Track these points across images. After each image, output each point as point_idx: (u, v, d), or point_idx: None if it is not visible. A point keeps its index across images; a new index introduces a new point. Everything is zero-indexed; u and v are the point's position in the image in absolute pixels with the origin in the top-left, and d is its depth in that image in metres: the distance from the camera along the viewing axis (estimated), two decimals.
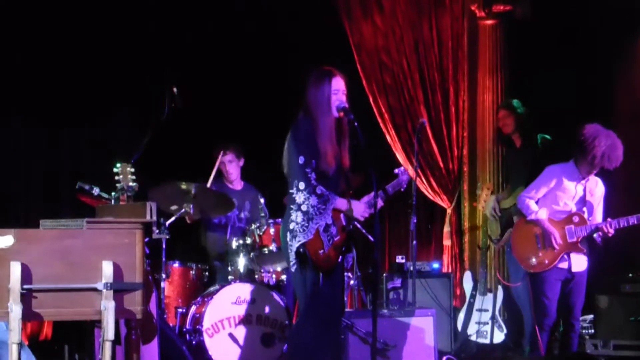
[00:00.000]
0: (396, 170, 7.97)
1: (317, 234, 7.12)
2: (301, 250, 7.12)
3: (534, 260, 8.44)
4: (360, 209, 7.34)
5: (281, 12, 10.96)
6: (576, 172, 8.39)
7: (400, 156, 11.18)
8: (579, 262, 8.38)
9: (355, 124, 7.13)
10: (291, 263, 7.21)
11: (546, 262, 8.36)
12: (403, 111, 11.27)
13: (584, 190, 8.41)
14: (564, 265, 8.35)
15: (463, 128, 11.42)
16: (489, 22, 11.32)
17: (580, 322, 8.50)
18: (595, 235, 8.30)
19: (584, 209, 8.39)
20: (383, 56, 11.27)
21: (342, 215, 7.29)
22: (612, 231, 8.22)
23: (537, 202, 8.52)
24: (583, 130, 8.37)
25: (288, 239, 7.17)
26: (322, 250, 7.13)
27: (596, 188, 8.49)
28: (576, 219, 8.35)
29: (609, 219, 8.30)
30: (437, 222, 11.61)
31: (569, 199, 8.42)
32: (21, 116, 10.71)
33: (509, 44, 11.31)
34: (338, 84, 7.25)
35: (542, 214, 8.45)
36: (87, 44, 10.60)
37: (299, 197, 7.12)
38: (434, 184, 11.31)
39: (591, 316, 9.93)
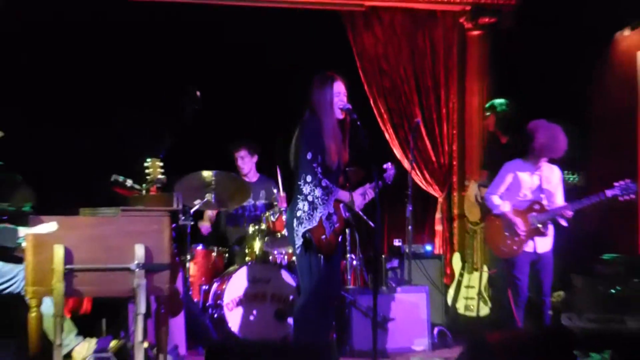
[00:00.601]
0: (385, 166, 7.96)
1: (320, 221, 7.14)
2: (307, 235, 7.13)
3: (504, 248, 8.42)
4: (359, 201, 7.35)
5: (292, 24, 10.93)
6: (527, 164, 8.38)
7: (397, 152, 11.16)
8: (544, 244, 8.35)
9: (358, 122, 7.12)
10: (296, 247, 7.23)
11: (515, 248, 8.34)
12: (400, 112, 11.25)
13: (540, 179, 8.39)
14: (529, 248, 8.32)
15: (453, 127, 11.40)
16: (476, 33, 11.29)
17: (550, 297, 8.46)
18: (557, 218, 8.27)
19: (542, 195, 8.36)
20: (382, 63, 11.24)
21: (341, 205, 7.29)
22: (570, 213, 8.19)
23: (502, 197, 8.50)
24: (526, 126, 8.38)
25: (295, 225, 7.19)
26: (324, 236, 7.14)
27: (552, 175, 8.46)
28: (536, 206, 8.33)
29: (565, 203, 8.29)
30: (429, 209, 11.59)
31: (527, 189, 8.39)
32: (65, 116, 10.70)
33: (494, 52, 11.29)
34: (339, 87, 7.25)
35: (506, 207, 8.43)
36: (123, 52, 10.59)
37: (306, 189, 7.12)
38: (427, 176, 11.29)
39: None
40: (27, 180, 7.65)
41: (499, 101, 10.24)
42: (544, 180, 8.39)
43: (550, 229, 8.37)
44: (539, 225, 8.28)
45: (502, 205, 8.46)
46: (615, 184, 8.14)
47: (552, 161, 8.45)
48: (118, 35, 10.58)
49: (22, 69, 10.35)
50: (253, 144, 10.12)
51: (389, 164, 8.11)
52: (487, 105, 10.50)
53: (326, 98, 7.21)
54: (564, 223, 8.32)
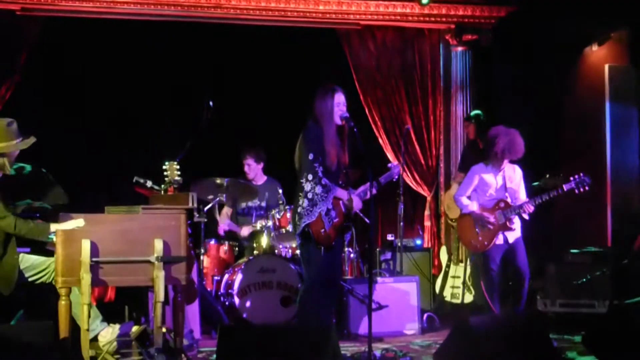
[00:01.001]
0: (389, 165, 7.98)
1: (319, 216, 7.15)
2: (306, 229, 7.15)
3: (475, 243, 8.44)
4: (357, 202, 7.36)
5: (295, 41, 10.97)
6: (491, 167, 8.41)
7: (390, 155, 11.17)
8: (511, 234, 8.36)
9: (355, 129, 7.15)
10: (297, 239, 7.28)
11: (485, 243, 8.34)
12: (392, 119, 11.26)
13: (503, 179, 8.41)
14: (500, 241, 8.33)
15: (439, 132, 11.41)
16: (460, 48, 11.31)
17: (529, 279, 8.43)
18: (521, 213, 8.29)
19: (506, 194, 8.38)
20: (376, 76, 11.26)
21: (341, 203, 7.30)
22: (531, 207, 8.21)
23: (471, 197, 8.53)
24: (488, 132, 8.42)
25: (296, 220, 7.22)
26: (323, 230, 7.14)
27: (514, 174, 8.47)
28: (502, 204, 8.33)
29: (527, 199, 8.32)
30: (419, 207, 11.60)
31: (493, 189, 8.41)
32: (92, 123, 10.75)
33: (475, 66, 11.32)
34: (339, 98, 7.28)
35: (474, 206, 8.46)
36: (143, 66, 10.62)
37: (307, 186, 7.15)
38: (417, 177, 11.30)
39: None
40: (59, 180, 7.67)
41: (478, 112, 10.37)
42: (507, 180, 8.41)
43: (517, 222, 8.37)
44: (506, 221, 8.29)
45: (470, 204, 8.48)
46: (571, 177, 8.18)
47: (512, 161, 8.49)
48: (142, 51, 10.62)
49: (58, 80, 10.40)
50: (259, 153, 10.12)
51: (394, 163, 8.15)
52: (468, 115, 10.59)
53: (327, 107, 7.24)
54: (526, 217, 8.34)
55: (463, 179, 9.63)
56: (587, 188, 8.18)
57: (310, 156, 7.11)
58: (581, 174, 8.15)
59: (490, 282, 8.35)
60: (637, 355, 6.40)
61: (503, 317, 7.66)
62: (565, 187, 8.16)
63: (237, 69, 10.93)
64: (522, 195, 8.47)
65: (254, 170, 10.06)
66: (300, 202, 7.16)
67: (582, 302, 9.37)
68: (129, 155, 10.88)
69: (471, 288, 9.86)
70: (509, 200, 8.34)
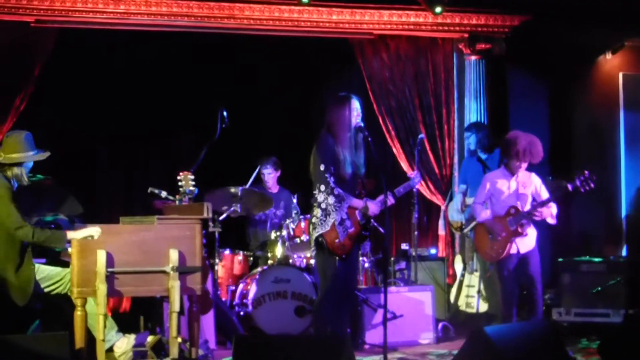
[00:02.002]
0: (409, 174, 7.98)
1: (333, 226, 7.16)
2: (319, 239, 7.17)
3: (490, 252, 8.41)
4: (374, 208, 7.35)
5: (308, 51, 10.98)
6: (506, 171, 8.37)
7: (404, 165, 11.15)
8: (525, 244, 8.28)
9: (369, 139, 7.16)
10: (312, 249, 7.29)
11: (500, 251, 8.29)
12: (406, 129, 11.23)
13: (517, 184, 8.37)
14: (513, 250, 8.28)
15: (453, 141, 11.37)
16: (473, 57, 11.28)
17: (542, 289, 8.40)
18: (534, 217, 8.25)
19: (518, 202, 8.34)
20: (389, 85, 11.24)
21: (357, 212, 7.30)
22: (540, 211, 8.15)
23: (487, 204, 8.51)
24: (506, 136, 8.40)
25: (310, 230, 7.26)
26: (337, 240, 7.15)
27: (528, 180, 8.40)
28: (512, 210, 8.28)
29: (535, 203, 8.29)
30: (433, 216, 11.58)
31: (506, 195, 8.37)
32: (107, 137, 10.79)
33: (489, 75, 11.30)
34: (355, 106, 7.29)
35: (486, 214, 8.43)
36: (156, 77, 10.65)
37: (320, 197, 7.17)
38: (431, 186, 11.27)
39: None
40: (74, 191, 7.70)
41: (478, 123, 10.41)
42: (521, 186, 8.37)
43: (532, 231, 8.33)
44: (517, 227, 8.24)
45: (483, 212, 8.45)
46: (576, 177, 8.12)
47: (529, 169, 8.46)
48: (155, 62, 10.65)
49: (72, 91, 10.45)
50: (277, 161, 10.19)
51: (415, 172, 8.14)
52: (467, 126, 10.59)
53: (344, 114, 7.26)
54: (551, 221, 8.30)
55: (465, 190, 9.73)
56: (592, 186, 8.08)
57: (322, 167, 7.13)
58: (586, 173, 8.09)
59: (506, 292, 8.31)
60: None
61: (519, 327, 7.63)
62: (569, 186, 8.11)
63: (250, 79, 10.95)
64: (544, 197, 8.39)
65: (273, 178, 10.13)
66: (315, 213, 7.19)
67: (597, 311, 9.36)
68: (144, 166, 10.92)
69: (486, 297, 9.85)
70: (519, 206, 8.30)
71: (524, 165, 8.29)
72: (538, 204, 8.23)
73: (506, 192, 8.36)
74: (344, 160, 7.19)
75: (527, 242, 8.31)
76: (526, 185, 8.37)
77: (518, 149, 8.17)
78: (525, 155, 8.19)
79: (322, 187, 7.15)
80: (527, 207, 8.28)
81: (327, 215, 7.16)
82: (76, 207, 7.55)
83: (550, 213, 8.21)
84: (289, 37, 10.85)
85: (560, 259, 9.83)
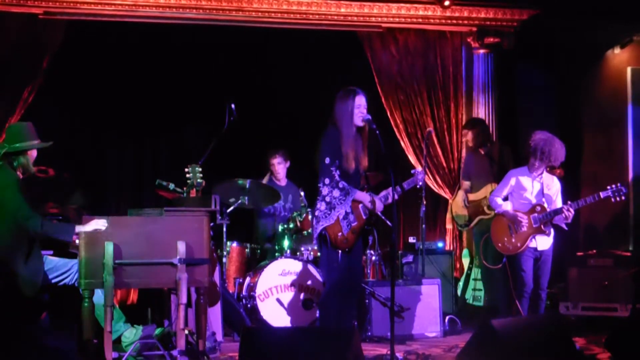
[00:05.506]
0: (413, 171, 7.96)
1: (337, 220, 7.17)
2: (323, 232, 7.18)
3: (508, 245, 8.41)
4: (379, 204, 7.35)
5: (317, 44, 10.97)
6: (530, 171, 8.40)
7: (412, 158, 11.14)
8: (544, 242, 8.33)
9: (377, 132, 7.15)
10: (315, 242, 7.31)
11: (518, 244, 8.31)
12: (414, 122, 11.22)
13: (541, 184, 8.39)
14: (533, 244, 8.31)
15: (461, 136, 11.37)
16: (482, 51, 11.27)
17: (546, 292, 8.44)
18: (558, 219, 8.27)
19: (543, 199, 8.36)
20: (398, 79, 11.23)
21: (360, 206, 7.30)
22: (572, 211, 8.19)
23: (507, 199, 8.53)
24: (530, 136, 8.42)
25: (314, 223, 7.25)
26: (340, 233, 7.17)
27: (552, 183, 8.47)
28: (538, 208, 8.32)
29: (568, 202, 8.27)
30: (441, 210, 11.57)
31: (530, 193, 8.39)
32: (115, 130, 10.80)
33: (497, 69, 11.28)
34: (360, 100, 7.29)
35: (507, 206, 8.46)
36: (165, 69, 10.66)
37: (324, 190, 7.19)
38: (438, 180, 11.26)
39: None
40: (81, 183, 7.73)
41: (474, 119, 10.42)
42: (545, 187, 8.40)
43: (552, 231, 8.37)
44: (540, 225, 8.27)
45: (504, 204, 8.48)
46: (608, 187, 8.18)
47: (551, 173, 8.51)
48: (164, 54, 10.67)
49: (81, 83, 10.46)
50: (287, 152, 10.20)
51: (418, 169, 8.14)
52: (466, 122, 10.60)
53: (348, 109, 7.25)
54: (564, 226, 8.34)
55: (468, 186, 9.75)
56: (623, 198, 8.22)
57: (327, 160, 7.15)
58: (618, 184, 8.17)
59: (522, 283, 8.32)
60: None
61: (526, 320, 7.63)
62: (602, 195, 8.19)
63: (258, 71, 10.95)
64: (559, 204, 8.42)
65: (283, 169, 10.14)
66: (319, 206, 7.20)
67: (604, 305, 9.36)
68: (152, 158, 10.92)
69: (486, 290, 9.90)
70: (545, 205, 8.32)
71: (543, 165, 8.33)
72: (552, 211, 8.26)
73: (529, 190, 8.39)
74: (348, 154, 7.19)
75: (546, 240, 8.34)
76: (550, 187, 8.42)
77: (543, 149, 8.23)
78: (550, 156, 8.23)
79: (327, 181, 7.17)
80: (552, 207, 8.32)
81: (332, 208, 7.16)
82: (82, 199, 7.57)
83: (571, 216, 8.26)
84: (297, 29, 10.85)
85: (567, 254, 9.82)
